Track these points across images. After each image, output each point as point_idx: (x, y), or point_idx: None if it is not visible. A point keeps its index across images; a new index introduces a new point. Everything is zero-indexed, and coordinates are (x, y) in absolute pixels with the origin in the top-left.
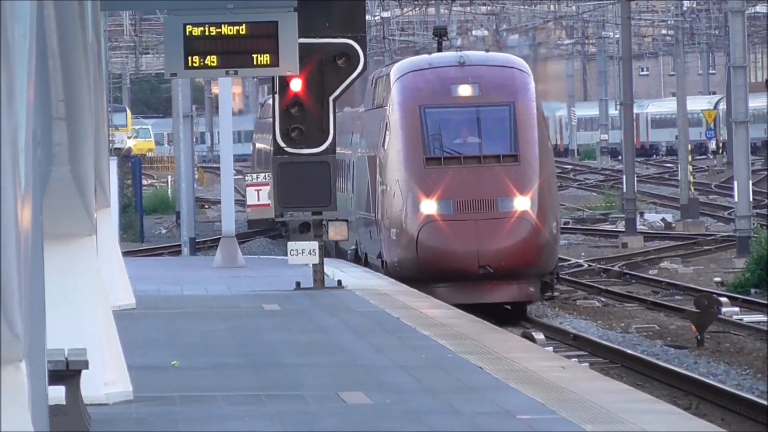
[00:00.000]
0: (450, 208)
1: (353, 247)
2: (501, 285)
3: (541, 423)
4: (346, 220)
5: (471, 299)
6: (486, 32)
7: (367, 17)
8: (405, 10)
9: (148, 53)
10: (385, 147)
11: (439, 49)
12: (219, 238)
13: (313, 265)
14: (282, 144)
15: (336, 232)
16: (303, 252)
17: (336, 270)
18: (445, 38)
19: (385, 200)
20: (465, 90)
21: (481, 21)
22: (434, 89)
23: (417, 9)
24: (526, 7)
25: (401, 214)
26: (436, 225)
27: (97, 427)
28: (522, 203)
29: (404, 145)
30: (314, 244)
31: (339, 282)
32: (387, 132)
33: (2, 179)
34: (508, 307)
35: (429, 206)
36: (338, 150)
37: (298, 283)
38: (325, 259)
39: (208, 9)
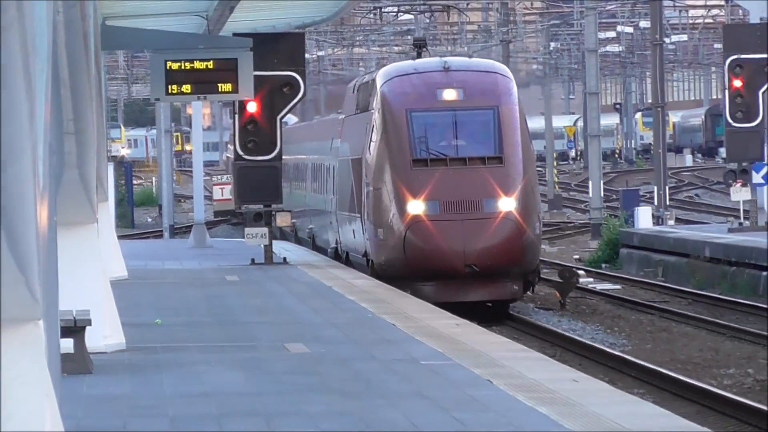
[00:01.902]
0: (436, 208)
1: (333, 245)
2: (486, 284)
3: (440, 367)
4: (290, 211)
5: (456, 297)
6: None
7: (306, 55)
8: (335, 49)
9: (138, 83)
10: (372, 150)
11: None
12: (192, 225)
13: (264, 245)
14: (241, 152)
15: (282, 220)
16: (257, 236)
17: (282, 249)
18: (425, 49)
19: (372, 201)
20: (450, 94)
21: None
22: (420, 93)
23: (345, 48)
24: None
25: (388, 215)
26: (423, 225)
27: (97, 371)
28: (506, 204)
29: (391, 148)
30: (265, 230)
31: (284, 259)
32: (373, 135)
33: (24, 181)
34: (489, 304)
35: (416, 207)
36: (317, 155)
37: (252, 260)
38: (274, 241)
39: (183, 49)
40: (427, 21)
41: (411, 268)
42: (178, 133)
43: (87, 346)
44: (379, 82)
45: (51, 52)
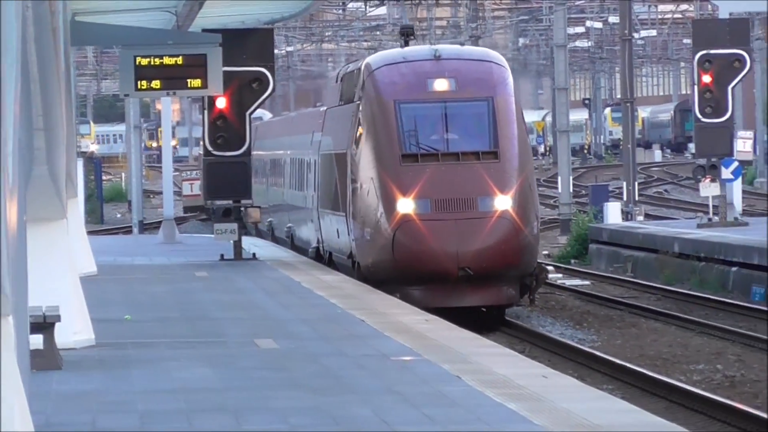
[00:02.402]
0: (427, 207)
1: (314, 245)
2: (480, 288)
3: (410, 362)
4: (259, 207)
5: (449, 302)
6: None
7: (275, 51)
8: (304, 45)
9: (107, 78)
10: (358, 144)
11: None
12: (161, 221)
13: (234, 241)
14: (210, 148)
15: (252, 215)
16: (226, 231)
17: (251, 245)
18: (412, 38)
19: (358, 199)
20: (441, 84)
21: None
22: (409, 83)
23: (314, 44)
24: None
25: (376, 214)
26: (413, 225)
27: (67, 367)
28: (502, 202)
29: (378, 142)
30: (234, 226)
31: (254, 254)
32: (359, 128)
33: None
34: (483, 309)
35: (405, 205)
36: (296, 150)
37: (222, 255)
38: (243, 237)
39: (153, 44)
40: (397, 17)
41: (400, 270)
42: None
43: (56, 342)
44: (365, 72)
45: (20, 47)
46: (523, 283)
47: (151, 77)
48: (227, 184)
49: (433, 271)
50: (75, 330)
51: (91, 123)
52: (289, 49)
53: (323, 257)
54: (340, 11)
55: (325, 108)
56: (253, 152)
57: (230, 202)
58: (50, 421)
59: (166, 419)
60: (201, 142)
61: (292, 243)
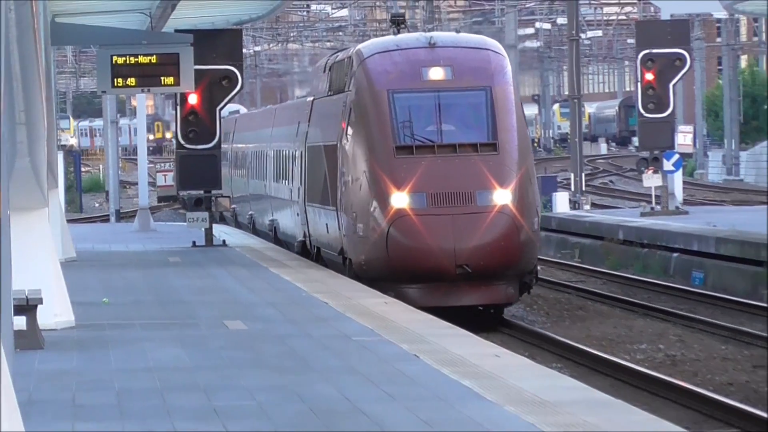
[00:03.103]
0: (423, 201)
1: (300, 239)
2: (479, 286)
3: (370, 343)
4: (228, 196)
5: (446, 302)
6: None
7: (243, 50)
8: (271, 45)
9: (85, 76)
10: (349, 135)
11: None
12: (137, 210)
13: (205, 229)
14: (182, 141)
15: (222, 204)
16: (197, 219)
17: (221, 233)
18: (403, 26)
19: (349, 193)
20: (437, 73)
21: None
22: (403, 72)
23: (280, 44)
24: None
25: (369, 209)
26: (408, 220)
27: (48, 347)
28: (502, 197)
29: (371, 133)
30: (205, 214)
31: (224, 241)
32: (351, 119)
33: None
34: (480, 308)
35: (400, 199)
36: (280, 142)
37: (194, 242)
38: (213, 225)
39: (128, 44)
40: (358, 18)
41: (395, 268)
42: (159, 122)
43: (38, 324)
44: (356, 60)
45: (3, 47)
46: (523, 281)
47: (126, 75)
48: (198, 176)
49: (430, 269)
50: (56, 312)
51: (71, 119)
52: (257, 48)
53: (310, 252)
54: (305, 13)
55: (312, 98)
56: (233, 144)
57: (201, 192)
58: (32, 397)
59: (142, 396)
60: (174, 136)
61: (275, 236)
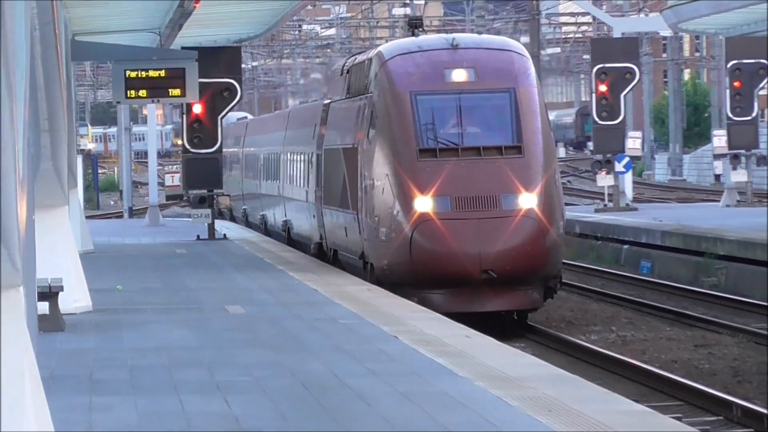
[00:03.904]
0: (447, 205)
1: (317, 240)
2: (504, 292)
3: (355, 325)
4: (228, 195)
5: (471, 308)
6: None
7: (242, 65)
8: (267, 60)
9: (102, 88)
10: (370, 138)
11: None
12: (147, 207)
13: (208, 224)
14: (188, 146)
15: (222, 202)
16: (201, 216)
17: (223, 227)
18: (420, 30)
19: (371, 197)
20: (460, 75)
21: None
22: (425, 74)
23: (274, 60)
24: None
25: (392, 212)
26: (432, 224)
27: (68, 329)
28: (527, 200)
29: (393, 136)
30: (208, 211)
31: (224, 235)
32: (372, 121)
33: (7, 170)
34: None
35: (424, 203)
36: (293, 145)
37: (198, 236)
38: (216, 220)
39: (140, 60)
40: (344, 36)
41: (418, 273)
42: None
43: (60, 308)
44: (377, 62)
45: (29, 63)
46: (547, 286)
47: (138, 87)
48: (202, 177)
49: (454, 274)
50: (75, 298)
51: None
52: (254, 63)
53: (327, 254)
54: (297, 32)
55: (328, 101)
56: (244, 148)
57: (205, 191)
58: (54, 374)
59: (151, 372)
60: (181, 141)
61: (289, 237)
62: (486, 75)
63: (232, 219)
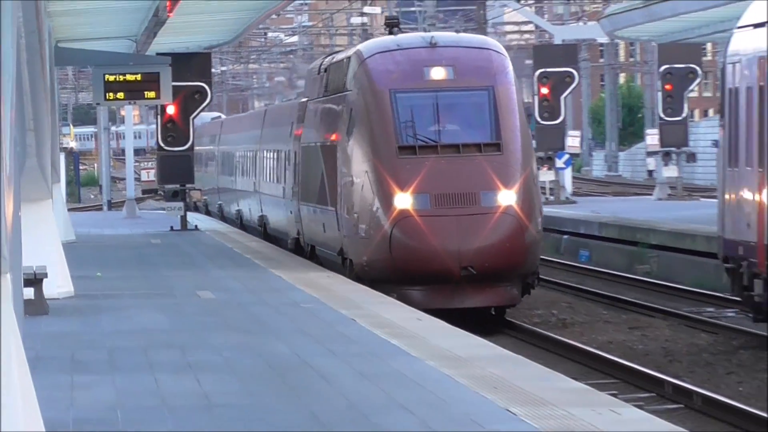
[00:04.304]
0: (427, 202)
1: (294, 236)
2: (483, 288)
3: (316, 309)
4: (200, 189)
5: (450, 304)
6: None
7: (212, 70)
8: (234, 65)
9: (83, 91)
10: (350, 135)
11: None
12: (125, 201)
13: (180, 216)
14: (162, 145)
15: (194, 196)
16: (174, 208)
17: (194, 219)
18: (397, 29)
19: (351, 193)
20: (438, 73)
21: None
22: (405, 72)
23: (242, 65)
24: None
25: (371, 209)
26: (411, 221)
27: (52, 313)
28: (506, 197)
29: (373, 133)
30: (180, 204)
31: (196, 226)
32: (351, 119)
33: None
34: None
35: (403, 200)
36: (270, 143)
37: (171, 227)
38: (188, 213)
39: (118, 65)
40: (306, 43)
41: (398, 270)
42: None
43: (44, 294)
44: (356, 60)
45: (15, 68)
46: (525, 282)
47: (116, 90)
48: (175, 172)
49: (434, 271)
50: (58, 284)
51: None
52: (223, 68)
53: (304, 249)
54: (263, 39)
55: (305, 100)
56: (220, 146)
57: (177, 186)
58: (39, 355)
59: (129, 353)
60: (156, 140)
61: (265, 231)
62: (465, 73)
63: (208, 213)
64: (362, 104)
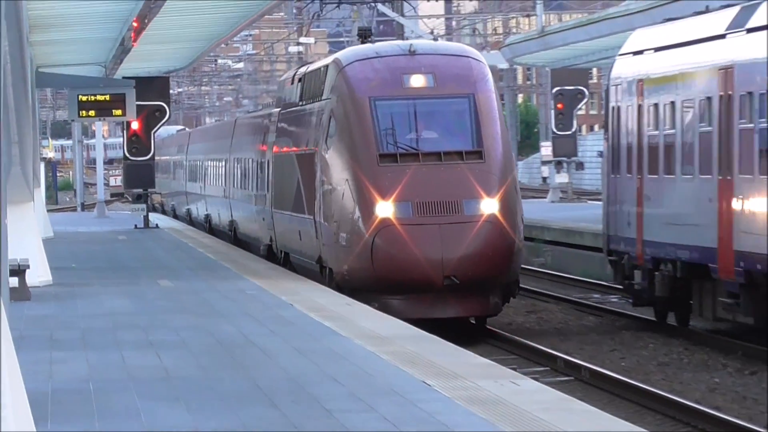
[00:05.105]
0: (409, 210)
1: (266, 242)
2: (465, 297)
3: (259, 295)
4: (159, 193)
5: (432, 313)
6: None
7: (171, 91)
8: (189, 87)
9: (60, 109)
10: (329, 143)
11: None
12: (96, 203)
13: (144, 216)
14: (128, 155)
15: (155, 199)
16: (138, 209)
17: (156, 219)
18: (369, 40)
19: (330, 202)
20: (418, 80)
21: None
22: (384, 79)
23: (195, 87)
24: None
25: (352, 218)
26: (393, 230)
27: (34, 299)
28: (489, 206)
29: (353, 141)
30: (143, 206)
31: (157, 225)
32: (330, 127)
33: None
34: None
35: (385, 209)
36: (240, 152)
37: (135, 225)
38: (150, 213)
39: (90, 87)
40: (251, 69)
41: (380, 279)
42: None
43: (27, 282)
44: (335, 69)
45: (2, 89)
46: (506, 291)
47: (88, 108)
48: (139, 179)
49: (417, 280)
50: (39, 274)
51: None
52: (180, 90)
53: (277, 256)
54: (213, 65)
55: (277, 110)
56: (188, 155)
57: (141, 190)
58: (23, 334)
59: (99, 333)
60: (123, 151)
61: (235, 236)
62: (445, 81)
63: (176, 217)
64: (342, 112)
